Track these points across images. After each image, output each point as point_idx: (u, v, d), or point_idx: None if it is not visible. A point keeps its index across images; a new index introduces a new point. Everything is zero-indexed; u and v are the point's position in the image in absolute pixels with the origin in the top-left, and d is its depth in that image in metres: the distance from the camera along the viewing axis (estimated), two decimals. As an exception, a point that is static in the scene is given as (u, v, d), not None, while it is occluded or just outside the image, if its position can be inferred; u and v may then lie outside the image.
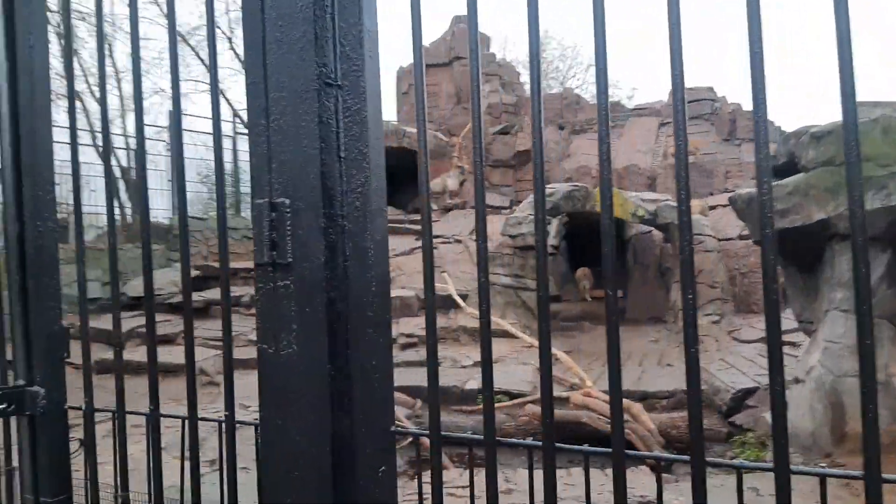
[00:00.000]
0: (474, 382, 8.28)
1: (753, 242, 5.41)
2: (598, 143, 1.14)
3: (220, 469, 1.47)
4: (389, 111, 24.07)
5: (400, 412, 7.40)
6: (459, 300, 10.98)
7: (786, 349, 8.61)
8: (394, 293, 11.41)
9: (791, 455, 3.74)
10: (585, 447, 1.29)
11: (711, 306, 10.71)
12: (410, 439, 7.07)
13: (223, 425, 1.41)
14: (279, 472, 1.22)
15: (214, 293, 12.86)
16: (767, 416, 6.34)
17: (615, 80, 22.61)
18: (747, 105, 16.60)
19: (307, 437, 1.21)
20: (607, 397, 6.26)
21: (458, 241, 14.10)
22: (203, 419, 1.44)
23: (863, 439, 0.88)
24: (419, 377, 8.84)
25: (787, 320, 9.87)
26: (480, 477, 1.27)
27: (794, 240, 5.08)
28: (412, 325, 10.48)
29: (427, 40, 21.97)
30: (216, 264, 14.50)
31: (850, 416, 4.83)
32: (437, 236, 14.49)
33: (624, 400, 5.68)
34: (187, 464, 1.50)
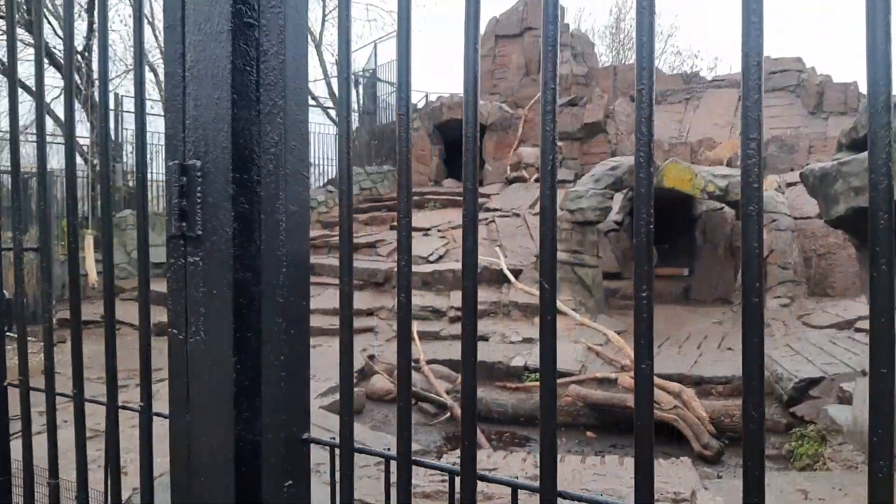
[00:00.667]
0: (520, 359, 8.08)
1: (825, 222, 4.92)
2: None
3: (106, 461, 1.33)
4: (457, 84, 23.66)
5: (441, 386, 7.29)
6: (510, 276, 10.74)
7: (860, 337, 7.99)
8: (446, 266, 11.29)
9: (852, 453, 3.35)
10: (511, 479, 1.07)
11: (781, 288, 10.06)
12: (448, 414, 6.98)
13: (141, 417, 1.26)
14: (182, 481, 1.06)
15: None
16: (831, 409, 5.89)
17: (696, 49, 21.35)
18: (838, 77, 15.43)
19: (210, 441, 1.04)
20: (659, 381, 5.94)
21: (517, 215, 13.79)
22: (124, 407, 1.30)
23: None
24: (467, 351, 8.71)
25: (865, 305, 9.18)
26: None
27: (867, 220, 4.58)
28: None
29: (498, 11, 21.42)
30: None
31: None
32: (496, 210, 14.22)
33: (676, 384, 5.36)
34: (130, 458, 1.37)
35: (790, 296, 9.92)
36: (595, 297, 10.50)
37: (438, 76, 49.45)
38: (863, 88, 16.85)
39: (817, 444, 5.54)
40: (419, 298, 10.50)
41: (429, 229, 13.58)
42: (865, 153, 4.58)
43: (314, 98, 20.69)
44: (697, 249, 12.23)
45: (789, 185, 12.14)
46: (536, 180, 15.61)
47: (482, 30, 18.53)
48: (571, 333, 9.04)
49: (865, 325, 8.14)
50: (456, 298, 10.38)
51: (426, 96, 21.05)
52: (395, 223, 14.65)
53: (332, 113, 20.14)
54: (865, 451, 4.83)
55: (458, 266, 11.22)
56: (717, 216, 12.06)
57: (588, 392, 6.90)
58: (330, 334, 9.80)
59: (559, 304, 9.50)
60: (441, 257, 12.12)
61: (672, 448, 6.19)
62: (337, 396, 7.27)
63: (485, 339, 9.24)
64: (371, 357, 8.62)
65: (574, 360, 7.98)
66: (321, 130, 19.25)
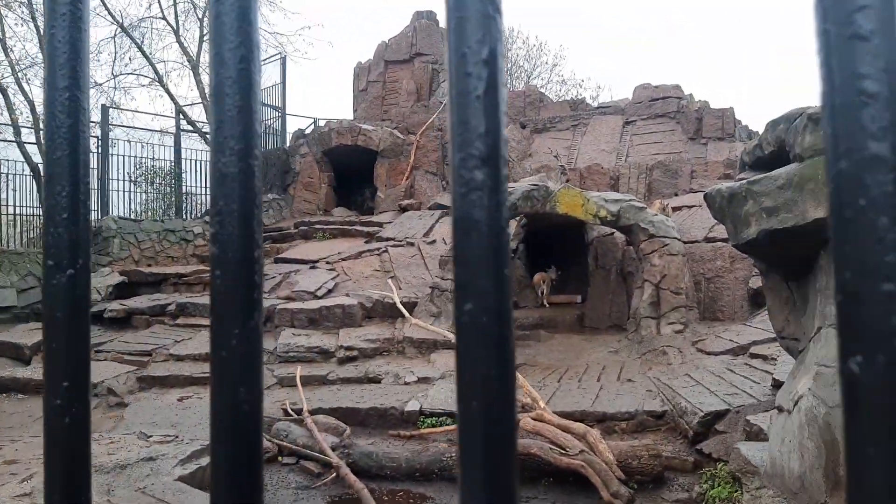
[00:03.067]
0: (415, 403, 7.34)
1: (734, 246, 4.56)
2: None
3: None
4: (345, 109, 22.99)
5: (325, 441, 6.41)
6: (404, 310, 10.03)
7: (756, 363, 7.88)
8: (335, 301, 10.43)
9: (773, 500, 2.63)
10: None
11: (675, 314, 9.96)
12: (335, 474, 6.11)
13: None
14: None
15: (140, 301, 11.65)
16: (743, 447, 5.54)
17: (581, 78, 21.85)
18: (715, 103, 16.10)
19: None
20: (562, 421, 5.38)
21: (411, 244, 13.15)
22: None
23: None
24: (356, 397, 7.84)
25: (756, 329, 9.21)
26: None
27: (782, 242, 4.26)
28: (353, 337, 9.49)
29: (387, 35, 21.01)
30: (146, 269, 13.28)
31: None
32: (389, 239, 13.53)
33: (580, 425, 4.74)
34: None
35: (683, 321, 9.83)
36: (492, 330, 9.96)
37: (328, 101, 48.51)
38: (739, 114, 17.73)
39: (730, 486, 5.15)
40: (304, 338, 9.56)
41: (316, 261, 12.66)
42: (779, 170, 4.28)
43: (191, 123, 19.26)
44: (590, 275, 12.06)
45: (675, 209, 12.28)
46: (430, 207, 15.19)
47: (371, 55, 18.00)
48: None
49: (760, 350, 8.07)
50: (346, 337, 9.52)
51: (314, 121, 20.17)
52: (279, 255, 13.63)
53: (212, 139, 18.78)
54: (788, 497, 4.47)
55: (347, 301, 10.39)
56: (608, 241, 11.96)
57: (488, 438, 6.24)
58: (201, 383, 8.67)
59: (451, 337, 8.87)
60: (330, 292, 11.23)
61: (580, 498, 5.64)
62: (204, 462, 6.21)
63: (376, 380, 8.44)
64: (246, 408, 7.57)
65: (472, 402, 7.34)
66: (200, 157, 17.89)
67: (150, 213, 17.36)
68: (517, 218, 11.68)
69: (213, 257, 0.59)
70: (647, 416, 7.00)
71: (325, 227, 14.95)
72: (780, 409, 4.65)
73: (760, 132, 4.81)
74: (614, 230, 11.23)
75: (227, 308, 0.57)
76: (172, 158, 17.42)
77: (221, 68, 0.60)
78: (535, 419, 6.45)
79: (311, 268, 12.43)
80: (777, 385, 6.35)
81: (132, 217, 15.98)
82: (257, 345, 0.58)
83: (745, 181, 4.28)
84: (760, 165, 4.53)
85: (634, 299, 10.49)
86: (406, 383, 8.18)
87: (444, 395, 7.53)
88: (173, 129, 18.17)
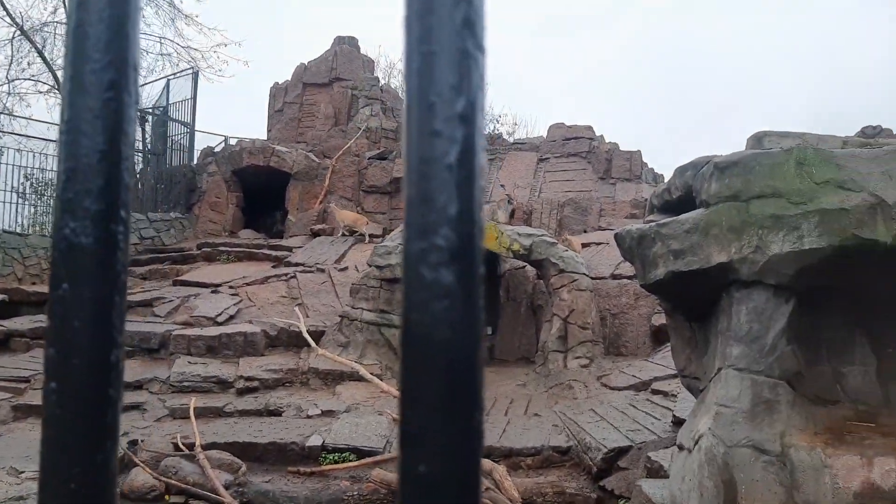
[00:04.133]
0: (318, 437, 7.02)
1: (642, 286, 4.65)
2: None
3: None
4: (259, 129, 22.42)
5: (218, 478, 5.99)
6: (310, 339, 9.68)
7: (658, 399, 8.10)
8: (236, 328, 9.94)
9: None
10: None
11: (582, 348, 10.13)
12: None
13: None
14: None
15: (20, 322, 10.68)
16: (645, 484, 5.60)
17: (498, 113, 22.33)
18: (624, 145, 16.83)
19: None
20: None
21: (322, 271, 12.80)
22: None
23: None
24: (254, 430, 7.42)
25: (657, 365, 9.50)
26: None
27: (687, 284, 4.37)
28: (255, 367, 9.04)
29: (307, 58, 20.74)
30: (30, 288, 12.25)
31: (744, 495, 4.10)
32: (298, 264, 13.13)
33: (487, 462, 4.63)
34: None
35: (589, 356, 10.00)
36: (401, 361, 9.77)
37: (241, 120, 47.27)
38: (646, 157, 18.56)
39: (633, 522, 5.18)
40: (201, 367, 9.02)
41: (219, 285, 12.07)
42: (686, 215, 4.39)
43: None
44: (501, 308, 12.14)
45: (584, 245, 12.61)
46: (351, 233, 14.88)
47: (289, 76, 17.68)
48: (375, 404, 8.18)
49: (661, 386, 8.30)
50: (246, 366, 9.05)
51: (225, 140, 19.50)
52: (179, 277, 12.92)
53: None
54: (687, 535, 4.50)
55: (249, 329, 9.92)
56: (519, 275, 12.11)
57: (392, 477, 6.03)
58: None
59: (362, 371, 8.63)
60: (231, 318, 10.70)
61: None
62: None
63: (277, 413, 8.04)
64: (133, 443, 7.01)
65: (378, 436, 7.11)
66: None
67: (38, 228, 16.10)
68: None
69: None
70: (552, 452, 7.00)
71: (231, 249, 14.35)
72: (681, 448, 4.72)
73: (666, 175, 4.99)
74: (526, 264, 11.37)
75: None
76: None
77: (79, 96, 0.43)
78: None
79: (213, 292, 11.83)
80: (677, 422, 6.51)
81: (18, 231, 14.75)
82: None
83: (654, 224, 4.38)
84: (668, 209, 4.66)
85: (543, 333, 10.61)
86: (309, 416, 7.84)
87: (348, 430, 7.25)
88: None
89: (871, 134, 10.21)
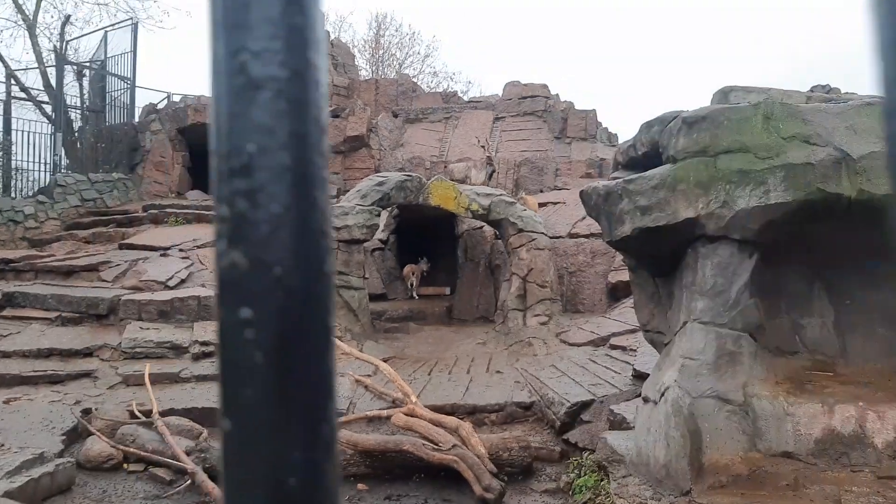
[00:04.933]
0: (281, 400, 6.91)
1: (608, 242, 4.65)
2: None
3: None
4: (205, 85, 21.47)
5: (178, 445, 5.85)
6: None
7: (617, 354, 8.27)
8: (190, 292, 9.66)
9: (639, 488, 2.67)
10: None
11: (541, 306, 10.24)
12: (189, 481, 5.60)
13: None
14: None
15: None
16: (610, 437, 5.72)
17: (452, 71, 21.93)
18: (579, 104, 16.79)
19: None
20: (434, 415, 5.26)
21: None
22: None
23: None
24: (213, 395, 7.26)
25: (615, 321, 9.69)
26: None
27: (653, 240, 4.40)
28: (210, 331, 8.81)
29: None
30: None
31: (708, 444, 4.23)
32: (250, 224, 12.77)
33: (452, 419, 4.64)
34: None
35: (548, 314, 10.12)
36: (362, 322, 9.71)
37: (187, 74, 45.21)
38: (601, 116, 18.61)
39: (596, 475, 5.29)
40: (154, 332, 8.75)
41: (168, 248, 11.67)
42: (654, 171, 4.39)
43: (24, 89, 17.12)
44: (459, 268, 12.14)
45: (540, 205, 12.65)
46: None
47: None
48: (338, 365, 8.11)
49: (619, 341, 8.47)
50: (202, 330, 8.83)
51: (169, 96, 18.65)
52: (125, 241, 12.45)
53: (49, 108, 16.83)
54: (653, 485, 4.64)
55: (203, 292, 9.65)
56: (477, 235, 12.09)
57: (358, 437, 6.01)
58: (32, 383, 7.66)
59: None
60: (183, 281, 10.38)
61: (453, 493, 5.57)
62: (36, 473, 5.43)
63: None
64: (86, 412, 6.78)
65: (341, 397, 7.05)
66: (33, 129, 15.93)
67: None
68: (389, 209, 11.47)
69: None
70: (516, 408, 7.09)
71: (179, 211, 13.86)
72: (647, 400, 4.82)
73: (620, 135, 4.97)
74: (484, 224, 11.35)
75: None
76: (1, 129, 15.38)
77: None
78: (407, 414, 6.30)
79: (162, 255, 11.44)
80: (638, 375, 6.66)
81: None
82: None
83: (620, 180, 4.37)
84: (634, 165, 4.65)
85: (502, 292, 10.67)
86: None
87: (311, 392, 7.17)
88: (3, 96, 16.05)
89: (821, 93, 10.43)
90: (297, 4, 0.36)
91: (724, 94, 4.44)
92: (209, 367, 8.09)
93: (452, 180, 13.64)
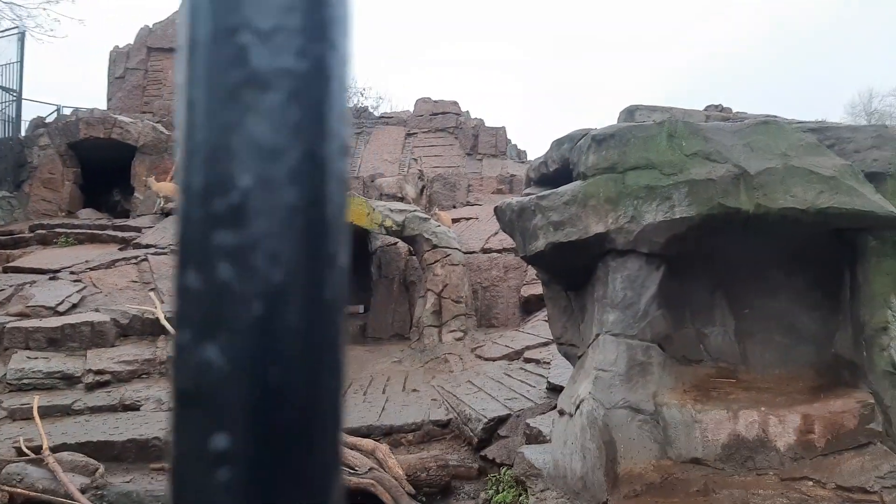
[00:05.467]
0: (185, 430, 6.52)
1: (522, 258, 4.68)
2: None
3: None
4: (98, 98, 20.38)
5: (72, 482, 5.39)
6: (169, 326, 8.99)
7: (531, 367, 8.37)
8: (82, 318, 9.01)
9: (557, 501, 2.66)
10: None
11: (456, 322, 10.25)
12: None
13: None
14: None
15: None
16: (527, 451, 5.74)
17: (362, 87, 21.78)
18: (490, 122, 17.09)
19: None
20: (350, 439, 5.04)
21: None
22: None
23: None
24: (109, 428, 6.78)
25: (528, 335, 9.83)
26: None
27: (566, 254, 4.47)
28: (105, 359, 8.25)
29: (151, 21, 19.07)
30: None
31: (622, 454, 4.30)
32: (149, 246, 12.15)
33: (369, 441, 4.52)
34: None
35: (463, 329, 10.14)
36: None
37: (75, 86, 42.75)
38: (510, 134, 19.03)
39: (514, 490, 5.29)
40: (43, 362, 8.08)
41: (58, 271, 10.87)
42: (565, 187, 4.46)
43: None
44: (373, 285, 11.98)
45: (454, 220, 12.72)
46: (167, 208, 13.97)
47: (132, 39, 16.05)
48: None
49: (533, 354, 8.58)
50: (96, 359, 8.23)
51: (58, 109, 17.49)
52: (10, 263, 11.49)
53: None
54: (571, 497, 4.68)
55: (98, 318, 9.03)
56: (391, 251, 11.99)
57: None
58: None
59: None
60: (74, 306, 9.67)
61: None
62: None
63: (134, 408, 7.40)
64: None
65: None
66: None
67: None
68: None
69: None
70: (433, 426, 7.01)
71: (70, 231, 12.97)
72: (562, 413, 4.87)
73: (529, 152, 5.06)
74: (398, 240, 11.27)
75: None
76: None
77: None
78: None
79: (52, 278, 10.63)
80: (552, 388, 6.75)
81: None
82: None
83: (534, 196, 4.42)
84: (546, 181, 4.73)
85: (417, 308, 10.61)
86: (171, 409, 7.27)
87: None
88: None
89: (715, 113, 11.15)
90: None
91: (629, 112, 4.61)
92: (104, 397, 7.54)
93: (384, 196, 13.54)
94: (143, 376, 8.24)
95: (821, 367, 4.27)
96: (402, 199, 14.10)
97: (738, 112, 9.76)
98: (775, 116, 4.86)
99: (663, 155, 3.90)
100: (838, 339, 4.25)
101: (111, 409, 7.33)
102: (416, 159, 13.89)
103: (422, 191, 13.22)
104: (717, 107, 12.23)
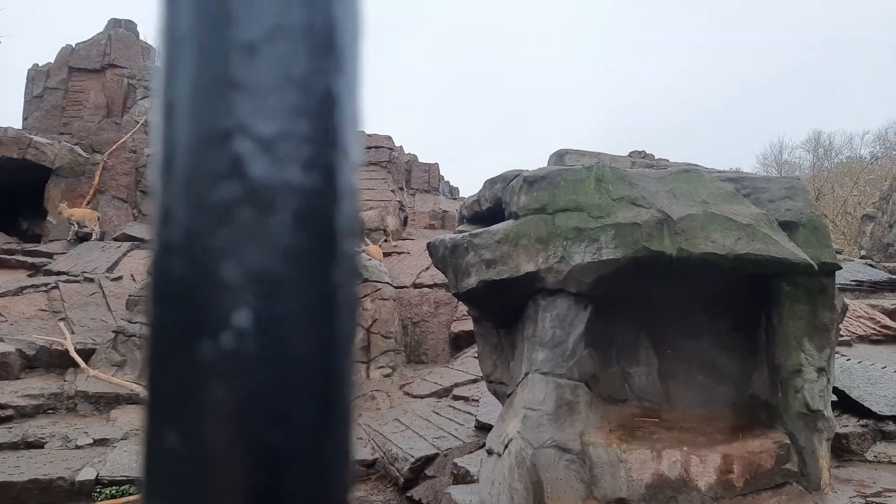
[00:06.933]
0: (91, 470, 6.13)
1: (454, 295, 4.68)
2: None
3: None
4: (13, 117, 19.34)
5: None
6: (78, 358, 8.49)
7: (460, 405, 8.31)
8: (-17, 348, 8.40)
9: None
10: None
11: (385, 358, 10.11)
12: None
13: None
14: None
15: None
16: (454, 491, 5.66)
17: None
18: (423, 157, 17.21)
19: None
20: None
21: (90, 280, 11.31)
22: None
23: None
24: (9, 467, 6.27)
25: (458, 371, 9.78)
26: None
27: (497, 292, 4.49)
28: (8, 392, 7.67)
29: (74, 41, 18.36)
30: None
31: (549, 494, 4.29)
32: (61, 273, 11.50)
33: None
34: None
35: (392, 365, 10.01)
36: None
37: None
38: (443, 170, 19.18)
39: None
40: (-69, 397, 7.43)
41: (-43, 298, 10.10)
42: (498, 226, 4.50)
43: None
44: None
45: (385, 254, 12.66)
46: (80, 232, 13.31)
47: (53, 58, 15.52)
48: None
49: (462, 392, 8.54)
50: (5, 394, 7.64)
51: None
52: None
53: None
54: (499, 539, 4.60)
55: (3, 347, 8.42)
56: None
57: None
58: None
59: (138, 390, 7.73)
60: (-26, 336, 8.98)
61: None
62: None
63: (38, 445, 6.89)
64: None
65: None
66: None
67: None
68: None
69: None
70: (358, 466, 6.82)
71: (-25, 255, 12.13)
72: (490, 452, 4.83)
73: (461, 188, 5.11)
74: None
75: None
76: None
77: None
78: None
79: (-50, 306, 9.87)
80: (480, 426, 6.71)
81: None
82: None
83: (467, 234, 4.43)
84: (478, 219, 4.76)
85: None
86: (79, 447, 6.81)
87: (128, 459, 6.41)
88: None
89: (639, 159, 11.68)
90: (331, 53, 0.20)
91: (559, 156, 4.73)
92: (5, 434, 6.99)
93: (366, 229, 13.39)
94: (49, 411, 7.71)
95: (740, 407, 4.42)
96: (384, 231, 13.98)
97: (660, 158, 10.24)
98: (696, 165, 5.10)
99: (591, 198, 4.00)
100: (756, 379, 4.42)
101: (13, 446, 6.79)
102: (393, 191, 13.84)
103: (405, 221, 13.19)
104: (640, 153, 12.79)
